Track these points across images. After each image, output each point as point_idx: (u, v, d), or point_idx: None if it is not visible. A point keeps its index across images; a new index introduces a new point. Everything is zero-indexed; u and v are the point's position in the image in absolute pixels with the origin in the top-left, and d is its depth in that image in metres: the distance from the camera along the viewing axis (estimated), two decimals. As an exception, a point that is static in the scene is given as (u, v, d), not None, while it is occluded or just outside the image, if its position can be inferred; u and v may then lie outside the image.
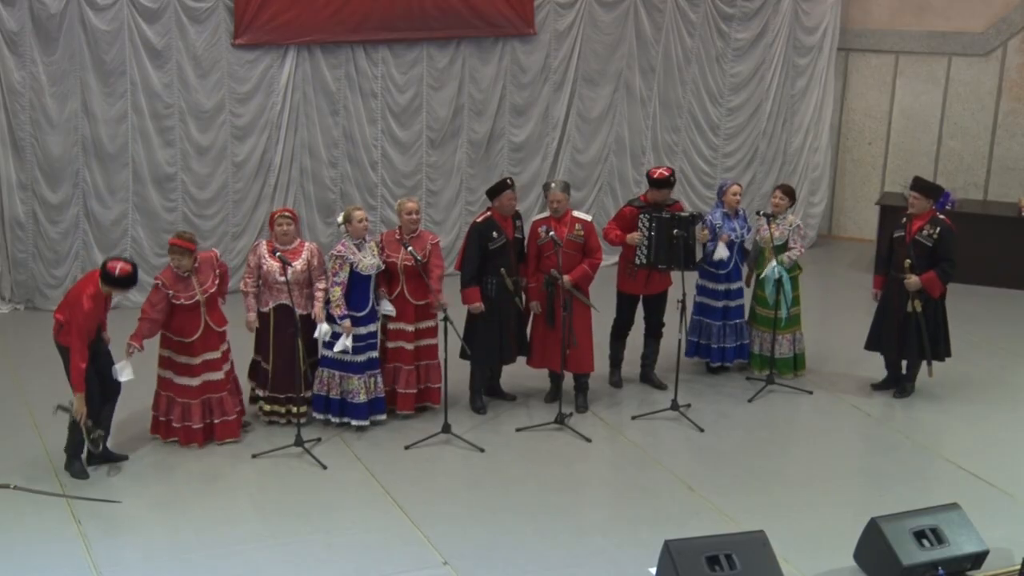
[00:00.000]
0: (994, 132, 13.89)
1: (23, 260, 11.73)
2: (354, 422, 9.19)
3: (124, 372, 8.52)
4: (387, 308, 9.20)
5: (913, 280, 9.41)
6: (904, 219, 9.66)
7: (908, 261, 9.41)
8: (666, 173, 9.75)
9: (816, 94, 14.20)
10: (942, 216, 9.63)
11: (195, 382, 8.79)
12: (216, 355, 8.84)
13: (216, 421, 8.92)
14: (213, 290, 8.79)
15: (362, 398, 9.14)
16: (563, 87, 13.45)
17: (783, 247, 10.09)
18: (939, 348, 9.76)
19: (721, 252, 10.01)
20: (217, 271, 8.86)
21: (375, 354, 9.22)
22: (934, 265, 9.47)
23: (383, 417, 9.31)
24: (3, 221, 11.60)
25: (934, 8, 13.94)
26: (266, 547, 7.60)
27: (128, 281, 8.24)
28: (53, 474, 8.38)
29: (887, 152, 14.46)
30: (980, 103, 13.87)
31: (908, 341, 9.69)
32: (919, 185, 9.64)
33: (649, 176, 9.83)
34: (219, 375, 8.87)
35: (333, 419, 9.23)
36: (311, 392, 9.27)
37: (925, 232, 9.47)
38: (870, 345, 10.05)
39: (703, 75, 13.94)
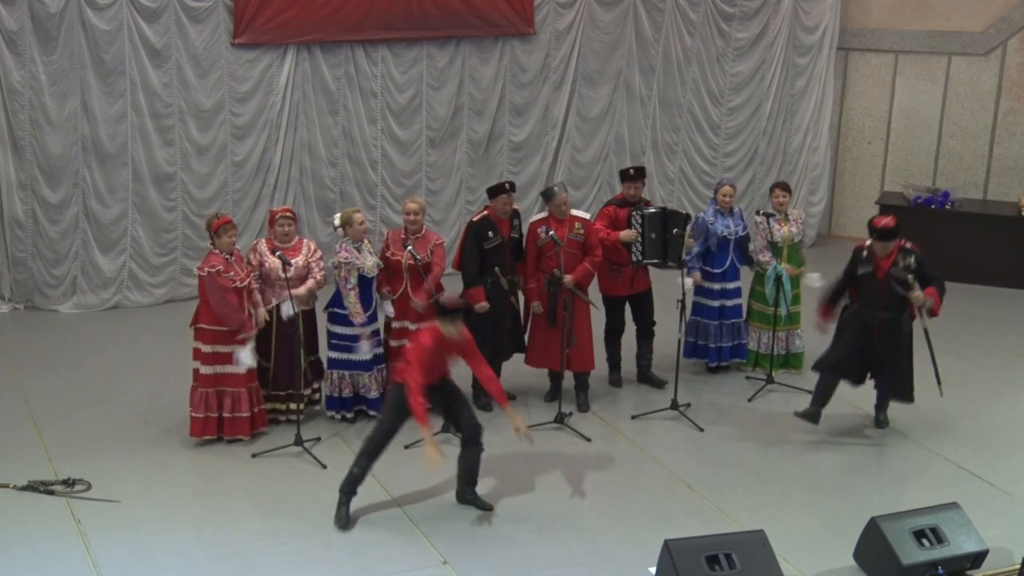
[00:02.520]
0: (994, 132, 13.88)
1: (23, 259, 11.72)
2: (371, 412, 9.28)
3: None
4: (388, 310, 9.31)
5: (919, 295, 8.86)
6: (865, 253, 9.07)
7: (911, 276, 8.82)
8: (631, 171, 10.01)
9: (816, 93, 14.20)
10: (908, 244, 9.05)
11: (241, 370, 8.79)
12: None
13: (256, 410, 9.00)
14: (248, 280, 8.85)
15: (375, 393, 9.27)
16: (563, 87, 13.45)
17: (796, 245, 10.30)
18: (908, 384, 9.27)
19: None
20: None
21: (380, 350, 9.35)
22: (925, 285, 8.95)
23: None
24: (3, 221, 11.59)
25: (934, 8, 13.93)
26: (266, 547, 7.60)
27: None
28: (53, 473, 8.37)
29: (887, 151, 14.45)
30: (980, 103, 13.87)
31: (885, 374, 9.26)
32: (886, 234, 8.87)
33: (621, 173, 10.11)
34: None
35: (348, 415, 9.31)
36: (310, 390, 9.37)
37: (901, 265, 8.91)
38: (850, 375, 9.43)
39: (703, 75, 13.94)
